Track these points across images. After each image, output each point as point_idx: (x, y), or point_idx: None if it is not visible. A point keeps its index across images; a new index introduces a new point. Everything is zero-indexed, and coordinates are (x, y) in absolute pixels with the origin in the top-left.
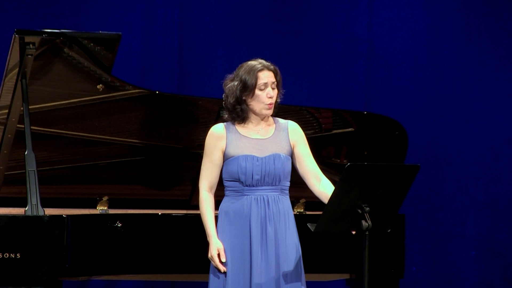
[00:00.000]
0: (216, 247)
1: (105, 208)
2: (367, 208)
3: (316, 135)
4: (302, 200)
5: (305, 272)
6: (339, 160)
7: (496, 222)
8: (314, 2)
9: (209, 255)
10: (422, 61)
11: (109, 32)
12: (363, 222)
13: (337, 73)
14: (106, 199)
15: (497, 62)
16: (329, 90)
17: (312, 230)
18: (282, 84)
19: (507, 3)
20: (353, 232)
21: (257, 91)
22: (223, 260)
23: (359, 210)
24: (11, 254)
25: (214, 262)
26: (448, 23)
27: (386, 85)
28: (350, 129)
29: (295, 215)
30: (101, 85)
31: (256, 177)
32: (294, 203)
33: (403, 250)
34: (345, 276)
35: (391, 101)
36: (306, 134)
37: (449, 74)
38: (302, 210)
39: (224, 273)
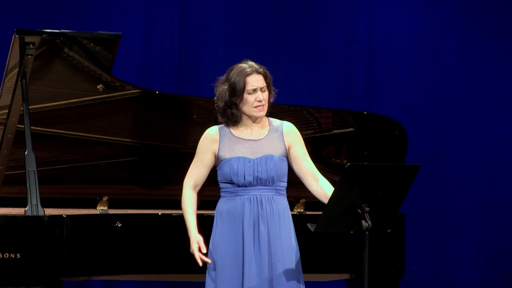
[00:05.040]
0: (195, 240)
1: (105, 208)
2: (367, 208)
3: (316, 135)
4: (302, 200)
5: (305, 272)
6: (339, 160)
7: (496, 222)
8: (314, 2)
9: (191, 250)
10: (422, 61)
11: (109, 32)
12: (363, 222)
13: (337, 73)
14: (106, 199)
15: (497, 62)
16: (329, 90)
17: (312, 230)
18: (283, 84)
19: (507, 3)
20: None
21: (245, 95)
22: (204, 251)
23: (359, 210)
24: (11, 254)
25: (194, 256)
26: (448, 23)
27: (386, 85)
28: (350, 129)
29: (295, 215)
30: (101, 85)
31: (248, 178)
32: (294, 203)
33: (403, 250)
34: (345, 276)
35: (391, 101)
36: (306, 134)
37: (449, 74)
38: (302, 210)
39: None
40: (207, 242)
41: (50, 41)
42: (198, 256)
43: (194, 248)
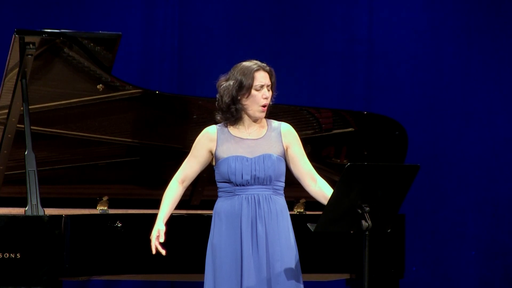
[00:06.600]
0: (157, 228)
1: (105, 208)
2: (367, 208)
3: (316, 135)
4: (302, 200)
5: (305, 272)
6: (339, 160)
7: (496, 222)
8: (314, 2)
9: (150, 236)
10: (422, 61)
11: (109, 32)
12: (363, 222)
13: (337, 73)
14: (106, 199)
15: (498, 62)
16: (329, 90)
17: (312, 230)
18: (283, 84)
19: (507, 3)
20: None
21: (253, 91)
22: (161, 240)
23: (359, 210)
24: (11, 254)
25: (151, 242)
26: (449, 23)
27: (386, 85)
28: (350, 129)
29: (295, 215)
30: (101, 85)
31: (246, 177)
32: (294, 203)
33: (403, 250)
34: (345, 276)
35: (391, 101)
36: (306, 134)
37: (449, 74)
38: (302, 210)
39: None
40: (205, 242)
41: (50, 41)
42: (153, 243)
43: (153, 234)
